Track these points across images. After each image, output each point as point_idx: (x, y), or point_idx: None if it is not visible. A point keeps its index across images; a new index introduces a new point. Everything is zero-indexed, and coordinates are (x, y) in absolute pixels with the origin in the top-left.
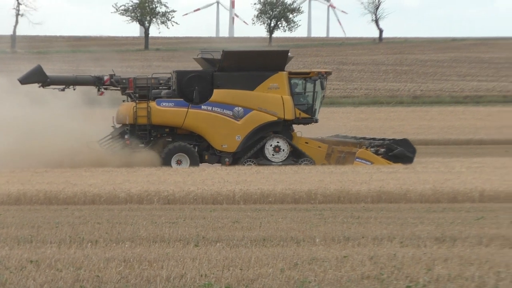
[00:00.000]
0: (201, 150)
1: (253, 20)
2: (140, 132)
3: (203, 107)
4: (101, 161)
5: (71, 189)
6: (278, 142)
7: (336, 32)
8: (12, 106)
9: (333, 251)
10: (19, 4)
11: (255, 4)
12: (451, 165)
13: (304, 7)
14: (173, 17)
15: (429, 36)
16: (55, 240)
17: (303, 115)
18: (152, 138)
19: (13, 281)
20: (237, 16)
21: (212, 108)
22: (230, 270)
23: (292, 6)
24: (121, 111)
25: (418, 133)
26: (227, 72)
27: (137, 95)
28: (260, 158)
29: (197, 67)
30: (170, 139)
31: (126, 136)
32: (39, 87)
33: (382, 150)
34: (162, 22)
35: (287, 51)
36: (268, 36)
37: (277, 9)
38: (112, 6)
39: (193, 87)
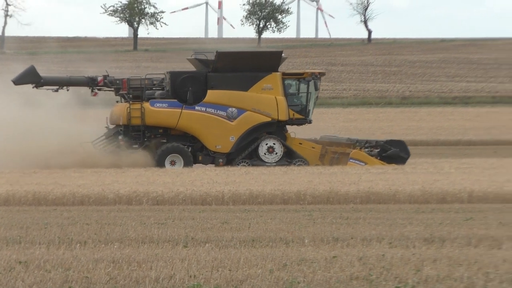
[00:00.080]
0: (195, 151)
1: (242, 21)
2: (134, 133)
3: (197, 107)
4: (95, 162)
5: (60, 190)
6: (272, 143)
7: (325, 33)
8: (4, 106)
9: (322, 252)
10: (7, 5)
11: (244, 5)
12: (440, 166)
13: (293, 8)
14: (162, 17)
15: (418, 37)
16: (44, 241)
17: (297, 116)
18: (145, 139)
19: (1, 282)
20: (225, 19)
21: (206, 108)
22: (219, 271)
23: (281, 7)
24: (114, 112)
25: (407, 134)
26: (221, 73)
27: (130, 96)
28: (254, 159)
29: (190, 67)
30: (164, 140)
31: (120, 137)
32: (33, 88)
33: (376, 151)
34: (151, 23)
35: (281, 52)
36: (257, 37)
37: (266, 10)
38: (101, 7)
39: (187, 88)
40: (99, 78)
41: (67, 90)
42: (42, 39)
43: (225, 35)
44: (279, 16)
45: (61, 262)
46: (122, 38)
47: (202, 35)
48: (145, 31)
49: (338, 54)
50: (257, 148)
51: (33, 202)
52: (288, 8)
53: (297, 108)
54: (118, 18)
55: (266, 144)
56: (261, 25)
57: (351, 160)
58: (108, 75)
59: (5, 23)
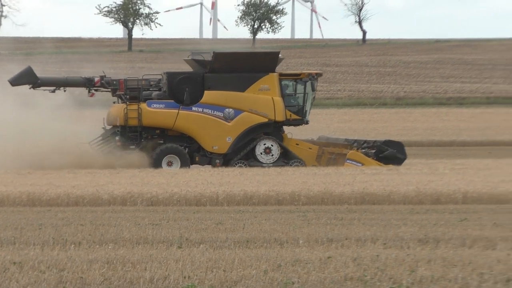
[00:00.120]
0: (191, 152)
1: (237, 22)
2: (131, 134)
3: (193, 108)
4: (92, 163)
5: (54, 190)
6: (269, 143)
7: (319, 34)
8: (0, 107)
9: (316, 253)
10: (2, 5)
11: (238, 5)
12: (434, 167)
13: (288, 8)
14: (157, 18)
15: (412, 37)
16: (38, 241)
17: (294, 116)
18: (142, 140)
19: None
20: (219, 20)
21: (202, 109)
22: (214, 271)
23: (276, 8)
24: (111, 112)
25: (401, 135)
26: (217, 74)
27: (127, 96)
28: (251, 159)
29: (186, 68)
30: (161, 141)
31: (116, 138)
32: (30, 88)
33: (372, 151)
34: (145, 24)
35: (278, 53)
36: (252, 37)
37: (261, 11)
38: (96, 7)
39: (183, 88)
40: (96, 79)
41: (64, 90)
42: (37, 40)
43: (219, 36)
44: (274, 17)
45: (56, 263)
46: (117, 39)
47: (197, 36)
48: (139, 31)
49: (332, 55)
50: (254, 148)
51: (28, 203)
52: (282, 9)
53: (294, 108)
54: (113, 19)
55: (263, 145)
56: (255, 26)
57: (348, 161)
58: (105, 76)
59: (0, 23)
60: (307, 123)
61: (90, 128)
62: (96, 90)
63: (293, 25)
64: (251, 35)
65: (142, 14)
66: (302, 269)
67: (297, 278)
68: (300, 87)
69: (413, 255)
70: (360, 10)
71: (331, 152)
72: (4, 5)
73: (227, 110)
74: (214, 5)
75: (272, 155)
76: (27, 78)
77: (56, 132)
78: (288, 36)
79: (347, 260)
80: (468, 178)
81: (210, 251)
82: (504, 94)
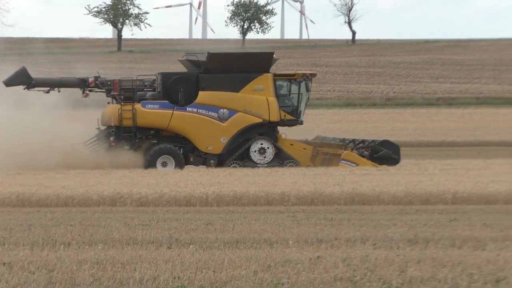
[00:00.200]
0: (186, 152)
1: (226, 22)
2: (125, 134)
3: (188, 109)
4: (86, 163)
5: (43, 191)
6: (263, 144)
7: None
8: None
9: (306, 253)
10: None
11: (228, 6)
12: (424, 167)
13: (277, 9)
14: (146, 18)
15: (401, 38)
16: (27, 242)
17: (288, 117)
18: (137, 140)
19: None
20: (207, 24)
21: (197, 110)
22: (203, 272)
23: (265, 8)
24: (106, 113)
25: (391, 135)
26: (212, 74)
27: (122, 97)
28: (245, 160)
29: (179, 68)
30: (155, 141)
31: (111, 138)
32: (24, 89)
33: (367, 152)
34: (135, 24)
35: (272, 53)
36: (241, 38)
37: (250, 11)
38: (85, 8)
39: (178, 89)
40: (90, 79)
41: (58, 91)
42: (27, 40)
43: (209, 36)
44: (263, 17)
45: (45, 264)
46: (107, 39)
47: (186, 36)
48: (129, 32)
49: (322, 55)
50: (249, 149)
51: (17, 203)
52: (272, 9)
53: (288, 109)
54: (102, 19)
55: (258, 145)
56: (245, 26)
57: (342, 161)
58: (99, 76)
59: None
60: (301, 123)
61: (85, 129)
62: (90, 91)
63: (282, 25)
64: (241, 35)
65: (132, 14)
66: (292, 270)
67: (287, 279)
68: (294, 88)
69: (402, 255)
70: (350, 10)
71: (326, 153)
72: None
73: (221, 110)
74: (201, 5)
75: (267, 155)
76: (21, 79)
77: (52, 132)
78: (278, 37)
79: (336, 261)
80: (457, 178)
81: (199, 251)
82: (493, 94)
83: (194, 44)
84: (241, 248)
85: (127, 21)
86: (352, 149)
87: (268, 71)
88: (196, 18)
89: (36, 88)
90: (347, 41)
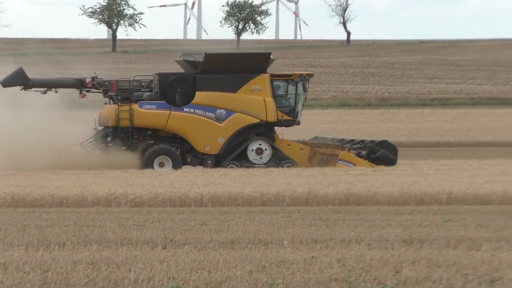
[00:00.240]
0: (183, 153)
1: (221, 23)
2: (123, 135)
3: (185, 109)
4: (83, 164)
5: (38, 191)
6: (260, 144)
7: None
8: None
9: (301, 254)
10: None
11: (223, 6)
12: (418, 167)
13: (272, 9)
14: (141, 19)
15: (396, 38)
16: (22, 242)
17: (285, 117)
18: (134, 141)
19: None
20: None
21: (194, 110)
22: (198, 272)
23: (260, 8)
24: (103, 113)
25: (386, 136)
26: (209, 74)
27: (119, 97)
28: (242, 160)
29: (175, 68)
30: (152, 142)
31: (108, 139)
32: (21, 89)
33: (364, 152)
34: (130, 25)
35: (269, 53)
36: (236, 38)
37: (245, 12)
38: (80, 8)
39: (175, 89)
40: (88, 80)
41: (56, 92)
42: (22, 41)
43: (204, 37)
44: (258, 18)
45: (40, 264)
46: (101, 40)
47: (181, 36)
48: (124, 32)
49: (317, 56)
50: (246, 149)
51: (12, 203)
52: (267, 10)
53: (285, 109)
54: (97, 20)
55: (255, 145)
56: (240, 27)
57: (339, 161)
58: (96, 77)
59: None
60: (298, 123)
61: (83, 129)
62: (87, 91)
63: (277, 26)
64: (235, 36)
65: (127, 15)
66: (287, 270)
67: (282, 279)
68: (291, 88)
69: (397, 256)
70: (345, 11)
71: (323, 153)
72: None
73: (218, 111)
74: (194, 5)
75: (264, 156)
76: (19, 80)
77: (50, 132)
78: (273, 37)
79: (331, 261)
80: (452, 178)
81: (194, 252)
82: (488, 95)
83: (188, 45)
84: (236, 248)
85: (121, 21)
86: (349, 150)
87: (265, 72)
88: (189, 18)
89: (33, 89)
90: (342, 41)
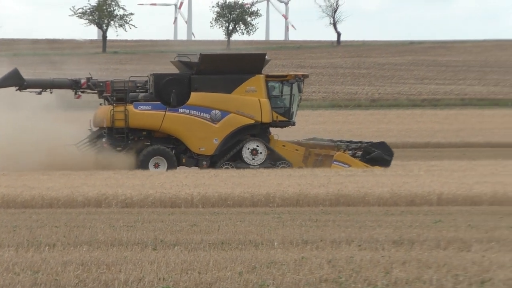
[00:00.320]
0: (178, 153)
1: (211, 24)
2: (118, 135)
3: (180, 110)
4: (78, 164)
5: (28, 192)
6: (255, 145)
7: (294, 35)
8: None
9: (291, 254)
10: None
11: (213, 7)
12: (409, 168)
13: (262, 10)
14: (131, 20)
15: (387, 39)
16: (12, 243)
17: (280, 118)
18: (129, 142)
19: None
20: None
21: (189, 111)
22: (188, 273)
23: (250, 9)
24: (98, 114)
25: (376, 136)
26: (204, 75)
27: (114, 98)
28: (237, 161)
29: (165, 70)
30: (147, 143)
31: (103, 140)
32: (16, 90)
33: (359, 153)
34: (120, 25)
35: (264, 54)
36: (226, 39)
37: (236, 12)
38: (70, 9)
39: (170, 90)
40: (83, 81)
41: (51, 92)
42: (12, 41)
43: (193, 38)
44: (249, 19)
45: (30, 265)
46: (92, 40)
47: (171, 37)
48: (114, 33)
49: (307, 57)
50: (241, 150)
51: (2, 204)
52: (257, 11)
53: (280, 110)
54: (87, 21)
55: (250, 146)
56: (230, 28)
57: (334, 162)
58: (91, 78)
59: None
60: (293, 124)
61: (77, 130)
62: (82, 92)
63: (267, 26)
64: (226, 36)
65: (117, 15)
66: (277, 271)
67: (272, 280)
68: (286, 89)
69: (388, 256)
70: (335, 11)
71: (318, 154)
72: None
73: (213, 111)
74: (181, 5)
75: (259, 156)
76: (13, 80)
77: (45, 133)
78: (263, 38)
79: (322, 262)
80: (442, 179)
81: (185, 253)
82: (478, 95)
83: (179, 45)
84: (226, 249)
85: (112, 22)
86: (344, 150)
87: (260, 72)
88: (175, 18)
89: (28, 90)
90: (332, 42)
